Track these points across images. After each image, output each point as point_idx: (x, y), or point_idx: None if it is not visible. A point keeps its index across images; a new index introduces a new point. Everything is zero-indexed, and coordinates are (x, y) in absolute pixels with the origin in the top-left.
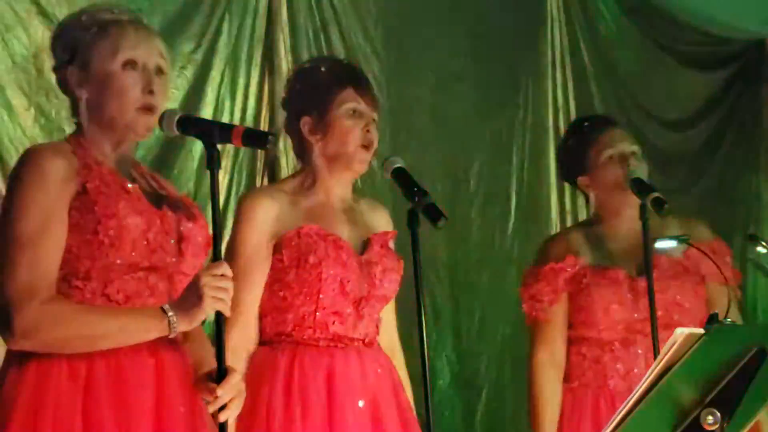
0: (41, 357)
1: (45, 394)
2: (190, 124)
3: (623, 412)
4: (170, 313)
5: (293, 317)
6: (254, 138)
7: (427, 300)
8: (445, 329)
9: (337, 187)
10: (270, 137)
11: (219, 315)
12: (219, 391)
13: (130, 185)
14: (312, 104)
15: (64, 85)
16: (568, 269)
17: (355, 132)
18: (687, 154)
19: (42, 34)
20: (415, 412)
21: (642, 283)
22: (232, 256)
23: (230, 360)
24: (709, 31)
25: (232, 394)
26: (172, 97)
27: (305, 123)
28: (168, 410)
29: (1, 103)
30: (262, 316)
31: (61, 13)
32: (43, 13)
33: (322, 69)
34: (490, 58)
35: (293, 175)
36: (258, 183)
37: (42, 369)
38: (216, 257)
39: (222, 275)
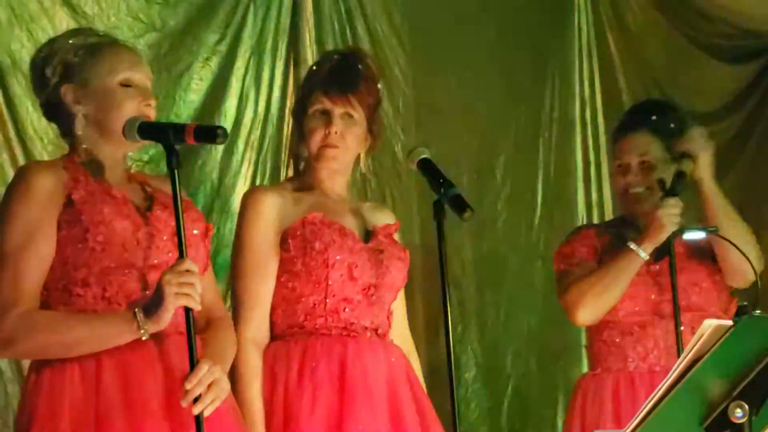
0: (54, 363)
1: (61, 398)
2: (148, 129)
3: (650, 404)
4: (139, 316)
5: (303, 307)
6: (204, 134)
7: (453, 292)
8: (471, 321)
9: (333, 186)
10: (220, 131)
11: (188, 310)
12: (186, 385)
13: (115, 191)
14: (294, 115)
15: (54, 103)
16: (596, 237)
17: (317, 134)
18: (716, 147)
19: (67, 24)
20: (431, 405)
21: (657, 266)
22: (240, 252)
23: (245, 355)
24: (739, 24)
25: (203, 386)
26: (196, 89)
27: (294, 130)
28: (177, 401)
29: (26, 93)
30: (272, 310)
31: (85, 3)
32: (67, 3)
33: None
34: (517, 50)
35: (294, 177)
36: (283, 174)
37: (56, 374)
38: (180, 254)
39: (186, 271)
